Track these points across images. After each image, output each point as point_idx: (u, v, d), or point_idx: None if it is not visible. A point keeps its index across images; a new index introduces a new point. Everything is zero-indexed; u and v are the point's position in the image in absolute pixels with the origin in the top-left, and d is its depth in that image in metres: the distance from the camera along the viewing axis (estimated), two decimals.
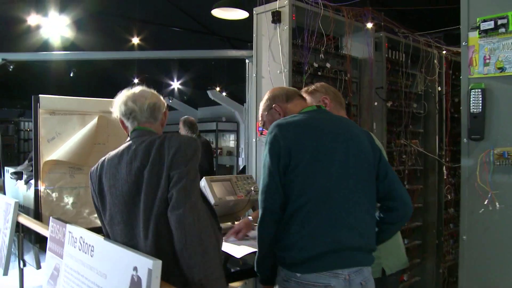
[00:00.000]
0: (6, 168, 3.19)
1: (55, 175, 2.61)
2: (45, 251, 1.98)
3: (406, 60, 3.79)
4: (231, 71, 10.00)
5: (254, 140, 3.04)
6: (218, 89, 11.65)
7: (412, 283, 3.88)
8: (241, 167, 9.62)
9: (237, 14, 4.66)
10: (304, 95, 2.09)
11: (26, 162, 2.98)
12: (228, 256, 2.03)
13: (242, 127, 11.25)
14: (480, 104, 2.18)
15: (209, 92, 10.86)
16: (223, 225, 2.61)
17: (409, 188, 3.74)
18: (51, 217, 1.97)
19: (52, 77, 9.60)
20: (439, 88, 4.05)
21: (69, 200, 2.63)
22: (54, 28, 6.80)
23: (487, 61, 2.17)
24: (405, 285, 3.75)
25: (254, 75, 3.05)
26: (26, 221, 2.44)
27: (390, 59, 3.66)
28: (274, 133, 1.68)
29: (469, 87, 2.23)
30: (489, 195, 2.16)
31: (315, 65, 3.04)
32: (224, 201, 2.45)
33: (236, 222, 2.68)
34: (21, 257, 2.63)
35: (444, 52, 4.10)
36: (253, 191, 2.55)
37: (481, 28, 2.17)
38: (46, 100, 2.64)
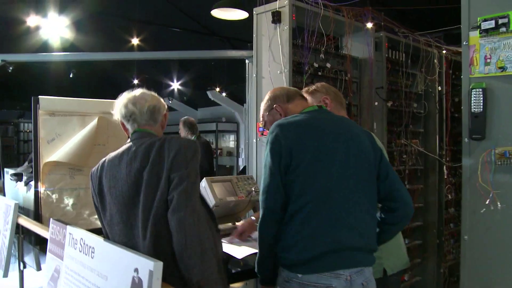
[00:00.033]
0: (5, 169, 3.18)
1: (55, 177, 2.60)
2: (45, 252, 1.97)
3: (406, 60, 3.79)
4: (231, 72, 10.00)
5: (254, 140, 3.04)
6: (218, 89, 11.65)
7: (413, 283, 3.87)
8: (241, 168, 9.62)
9: (237, 14, 4.65)
10: (305, 95, 2.08)
11: (26, 163, 2.97)
12: (229, 257, 2.03)
13: (242, 127, 11.25)
14: (481, 104, 2.18)
15: (209, 93, 10.86)
16: (224, 226, 2.61)
17: (409, 188, 3.73)
18: (51, 219, 1.97)
19: (52, 78, 9.60)
20: (439, 88, 4.05)
21: (69, 201, 2.62)
22: (53, 29, 6.79)
23: (488, 60, 2.16)
24: (406, 285, 3.75)
25: (254, 75, 3.04)
26: (26, 222, 2.43)
27: (390, 59, 3.66)
28: (276, 133, 1.68)
29: (470, 87, 2.23)
30: (491, 195, 2.15)
31: (315, 65, 3.03)
32: (225, 202, 2.44)
33: (237, 223, 2.68)
34: (21, 259, 2.62)
35: (444, 51, 4.10)
36: (253, 192, 2.54)
37: (482, 28, 2.17)
38: (46, 101, 2.63)
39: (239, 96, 10.86)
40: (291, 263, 1.62)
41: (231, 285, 1.93)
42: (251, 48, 3.16)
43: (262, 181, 1.69)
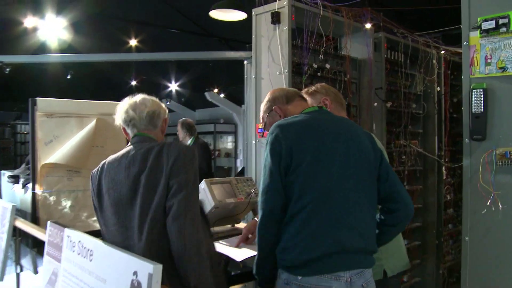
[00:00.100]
0: (2, 171, 3.16)
1: (52, 178, 2.59)
2: (42, 255, 1.96)
3: (405, 60, 3.79)
4: (229, 73, 9.99)
5: (253, 141, 3.03)
6: (216, 90, 11.64)
7: (412, 284, 3.87)
8: (239, 169, 9.61)
9: (235, 15, 4.63)
10: (305, 96, 2.08)
11: (23, 165, 2.96)
12: (228, 260, 2.01)
13: (240, 128, 11.25)
14: (482, 104, 2.17)
15: (206, 94, 10.85)
16: (223, 228, 2.60)
17: (408, 189, 3.73)
18: (49, 221, 1.95)
19: (50, 79, 9.56)
20: (438, 88, 4.05)
21: (67, 203, 2.60)
22: (51, 30, 6.76)
23: (489, 60, 2.16)
24: (405, 286, 3.74)
25: (253, 76, 3.03)
26: (23, 225, 2.41)
27: (389, 59, 3.66)
28: (276, 134, 1.67)
29: (471, 87, 2.22)
30: (492, 196, 2.15)
31: (315, 66, 3.03)
32: (224, 204, 2.42)
33: (236, 225, 2.66)
34: (18, 262, 2.61)
35: (442, 52, 4.10)
36: (253, 193, 2.52)
37: (482, 28, 2.16)
38: (43, 102, 2.62)
39: (237, 97, 10.85)
40: (291, 265, 1.61)
41: (230, 287, 1.91)
42: (250, 49, 3.15)
43: (261, 182, 1.68)
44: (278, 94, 1.94)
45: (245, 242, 2.23)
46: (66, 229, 1.80)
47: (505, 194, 2.14)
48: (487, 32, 2.16)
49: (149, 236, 1.58)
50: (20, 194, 2.75)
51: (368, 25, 3.40)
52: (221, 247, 2.17)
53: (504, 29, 2.10)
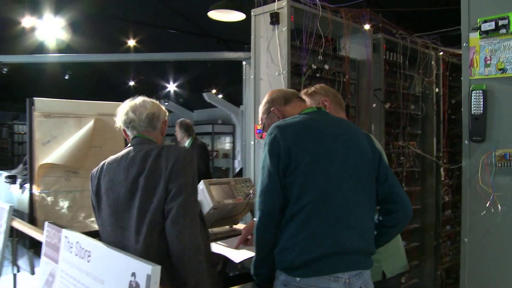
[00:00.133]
0: None
1: (50, 179, 2.57)
2: (39, 256, 1.95)
3: (404, 61, 3.80)
4: (227, 74, 9.98)
5: (252, 142, 3.02)
6: (214, 91, 11.64)
7: (410, 285, 3.87)
8: (237, 170, 9.61)
9: (234, 16, 4.63)
10: (304, 97, 2.07)
11: (21, 165, 2.94)
12: (226, 261, 2.00)
13: (238, 129, 11.25)
14: (481, 106, 2.17)
15: (205, 95, 10.85)
16: (221, 229, 2.58)
17: (407, 190, 3.73)
18: (46, 222, 1.94)
19: (48, 80, 9.53)
20: (437, 90, 4.06)
21: (64, 204, 2.59)
22: (49, 30, 6.74)
23: (488, 62, 2.16)
24: (403, 287, 3.73)
25: (252, 77, 3.02)
26: (20, 225, 2.40)
27: (388, 60, 3.66)
28: (274, 134, 1.67)
29: (470, 88, 2.22)
30: (491, 197, 2.14)
31: (314, 66, 3.02)
32: (223, 205, 2.42)
33: (234, 226, 2.65)
34: (14, 263, 2.59)
35: (441, 53, 4.10)
36: (251, 194, 2.52)
37: (482, 29, 2.16)
38: (41, 102, 2.61)
39: (235, 98, 10.85)
40: (290, 266, 1.60)
41: None
42: (248, 50, 3.14)
43: (259, 182, 1.67)
44: (276, 95, 1.94)
45: (244, 243, 2.22)
46: (63, 230, 1.79)
47: (504, 195, 2.13)
48: (486, 34, 2.16)
49: (147, 238, 1.59)
50: (17, 195, 2.73)
51: (367, 26, 3.40)
52: (219, 248, 2.16)
53: (503, 31, 2.10)
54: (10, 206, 2.50)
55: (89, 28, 7.47)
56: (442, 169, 4.06)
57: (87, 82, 10.84)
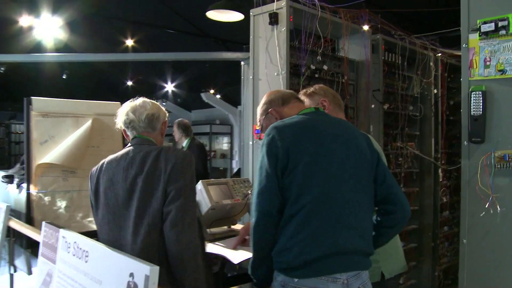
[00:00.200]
0: None
1: (47, 179, 2.56)
2: (36, 256, 1.94)
3: (403, 62, 3.80)
4: (225, 74, 9.97)
5: (250, 143, 3.01)
6: (212, 91, 11.63)
7: (408, 286, 3.87)
8: (234, 170, 9.59)
9: (232, 16, 4.62)
10: (303, 97, 2.07)
11: (18, 165, 2.93)
12: (224, 261, 1.99)
13: (236, 129, 11.23)
14: (481, 107, 2.17)
15: (203, 95, 10.82)
16: (219, 229, 2.58)
17: (405, 191, 3.72)
18: (44, 222, 1.93)
19: (46, 79, 9.50)
20: (435, 91, 4.06)
21: (62, 204, 2.57)
22: (46, 30, 6.73)
23: (488, 63, 2.16)
24: None
25: (250, 77, 3.01)
26: (17, 225, 2.39)
27: (386, 61, 3.66)
28: (272, 135, 1.66)
29: (470, 89, 2.22)
30: (490, 198, 2.14)
31: (312, 67, 3.02)
32: (221, 205, 2.41)
33: (232, 226, 2.64)
34: (11, 263, 2.58)
35: (439, 54, 4.11)
36: (250, 195, 2.51)
37: (482, 30, 2.17)
38: (39, 102, 2.59)
39: (233, 98, 10.83)
40: (288, 267, 1.59)
41: None
42: (246, 50, 3.13)
43: (257, 183, 1.66)
44: (274, 96, 1.93)
45: (242, 243, 2.21)
46: (61, 230, 1.78)
47: (504, 196, 2.14)
48: (486, 35, 2.16)
49: (146, 239, 1.61)
50: (15, 194, 2.72)
51: (366, 27, 3.40)
52: (217, 248, 2.15)
53: (503, 32, 2.11)
54: (7, 206, 2.48)
55: (87, 28, 7.46)
56: (440, 170, 4.06)
57: (86, 82, 10.82)
